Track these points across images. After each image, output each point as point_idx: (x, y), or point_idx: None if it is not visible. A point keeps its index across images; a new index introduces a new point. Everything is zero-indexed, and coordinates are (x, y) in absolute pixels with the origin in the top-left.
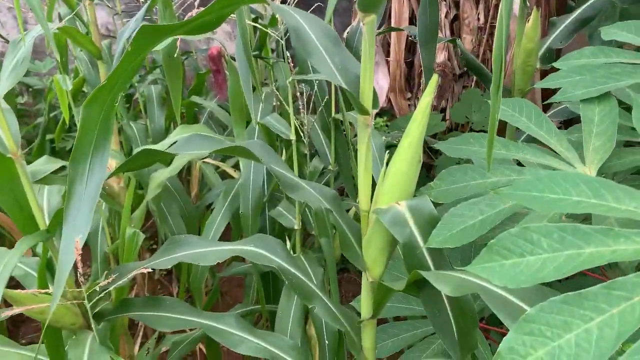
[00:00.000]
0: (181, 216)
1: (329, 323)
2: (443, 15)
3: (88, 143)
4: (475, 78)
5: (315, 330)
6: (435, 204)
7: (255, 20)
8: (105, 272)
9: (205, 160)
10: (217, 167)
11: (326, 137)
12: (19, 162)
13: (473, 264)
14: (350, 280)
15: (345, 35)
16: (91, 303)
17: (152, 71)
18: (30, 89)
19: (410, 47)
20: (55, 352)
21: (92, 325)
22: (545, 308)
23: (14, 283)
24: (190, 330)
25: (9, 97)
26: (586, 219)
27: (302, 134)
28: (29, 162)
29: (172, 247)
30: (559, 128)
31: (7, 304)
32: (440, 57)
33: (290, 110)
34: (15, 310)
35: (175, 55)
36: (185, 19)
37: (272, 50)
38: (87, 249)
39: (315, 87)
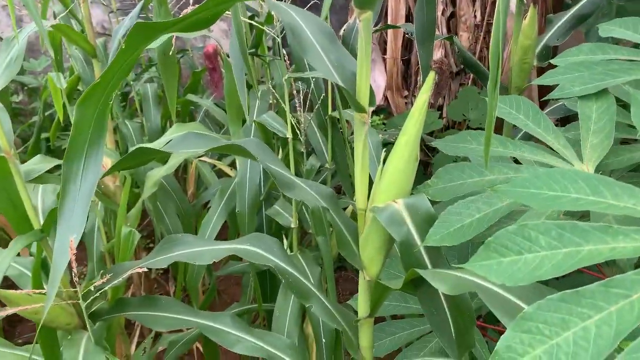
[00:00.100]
0: (177, 215)
1: (326, 322)
2: (440, 13)
3: (82, 142)
4: (472, 75)
5: (312, 329)
6: (433, 202)
7: (251, 17)
8: (101, 271)
9: (201, 158)
10: (213, 166)
11: (323, 135)
12: (12, 160)
13: (470, 261)
14: (348, 278)
15: (341, 32)
16: (86, 303)
17: (148, 69)
18: (26, 88)
19: (407, 45)
20: (50, 353)
21: (88, 325)
22: (543, 306)
23: (9, 283)
24: (187, 329)
25: (3, 95)
26: (584, 216)
27: (298, 132)
28: (24, 161)
29: (168, 246)
30: (555, 125)
31: (1, 304)
32: (437, 54)
33: (287, 108)
34: (9, 310)
35: (171, 53)
36: (181, 16)
37: (269, 48)
38: (83, 248)
39: (312, 84)
